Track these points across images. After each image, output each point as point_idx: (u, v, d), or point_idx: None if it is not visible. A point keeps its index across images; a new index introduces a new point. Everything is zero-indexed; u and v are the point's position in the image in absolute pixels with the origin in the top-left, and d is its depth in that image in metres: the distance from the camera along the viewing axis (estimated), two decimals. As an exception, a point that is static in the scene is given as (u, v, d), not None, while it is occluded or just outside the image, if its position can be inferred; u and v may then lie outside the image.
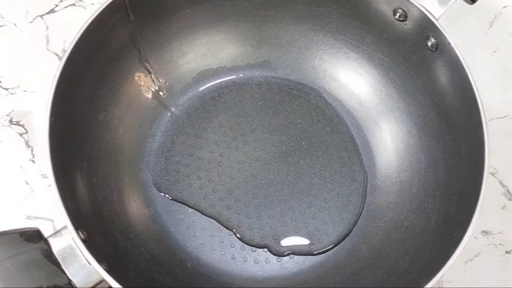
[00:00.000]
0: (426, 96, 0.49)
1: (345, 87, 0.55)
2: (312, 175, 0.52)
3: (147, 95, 0.53)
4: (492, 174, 0.56)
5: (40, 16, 0.61)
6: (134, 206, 0.49)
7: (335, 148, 0.53)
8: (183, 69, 0.55)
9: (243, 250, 0.49)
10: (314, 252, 0.49)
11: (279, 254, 0.49)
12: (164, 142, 0.53)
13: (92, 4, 0.61)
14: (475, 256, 0.53)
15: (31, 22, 0.60)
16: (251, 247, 0.49)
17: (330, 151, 0.53)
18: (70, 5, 0.61)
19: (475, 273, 0.53)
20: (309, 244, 0.49)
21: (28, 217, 0.52)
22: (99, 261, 0.36)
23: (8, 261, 0.35)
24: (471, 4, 0.47)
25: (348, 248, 0.49)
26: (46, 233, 0.38)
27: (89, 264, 0.36)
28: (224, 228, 0.49)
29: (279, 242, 0.49)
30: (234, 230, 0.49)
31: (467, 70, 0.43)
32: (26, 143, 0.55)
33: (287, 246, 0.49)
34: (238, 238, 0.49)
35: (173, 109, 0.54)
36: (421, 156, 0.50)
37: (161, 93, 0.54)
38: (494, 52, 0.62)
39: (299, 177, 0.52)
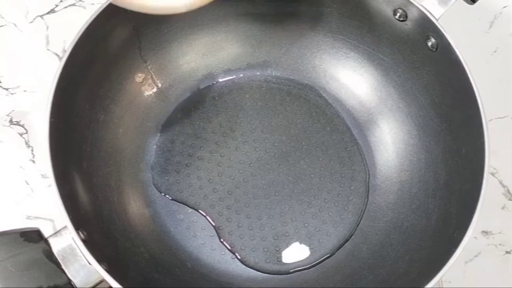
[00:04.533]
0: (426, 96, 0.49)
1: (345, 87, 0.55)
2: (312, 175, 0.52)
3: (147, 95, 0.53)
4: (492, 174, 0.56)
5: (40, 16, 0.61)
6: (134, 206, 0.49)
7: (335, 148, 0.53)
8: (183, 69, 0.55)
9: (243, 250, 0.49)
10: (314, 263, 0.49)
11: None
12: (164, 142, 0.53)
13: (92, 4, 0.61)
14: (475, 256, 0.53)
15: (31, 22, 0.60)
16: (251, 247, 0.49)
17: (330, 151, 0.53)
18: (70, 5, 0.61)
19: (475, 273, 0.53)
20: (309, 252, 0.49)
21: (28, 217, 0.52)
22: (99, 261, 0.36)
23: (8, 261, 0.35)
24: (471, 4, 0.47)
25: (348, 248, 0.49)
26: (46, 233, 0.38)
27: (89, 264, 0.36)
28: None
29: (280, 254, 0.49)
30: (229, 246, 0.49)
31: (467, 70, 0.43)
32: (26, 143, 0.55)
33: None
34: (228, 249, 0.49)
35: (173, 109, 0.54)
36: (421, 156, 0.50)
37: (161, 93, 0.54)
38: (494, 52, 0.62)
39: (299, 177, 0.52)
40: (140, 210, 0.49)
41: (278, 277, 0.48)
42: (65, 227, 0.37)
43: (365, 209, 0.51)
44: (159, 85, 0.54)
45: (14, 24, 0.60)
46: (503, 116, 0.59)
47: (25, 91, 0.57)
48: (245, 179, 0.52)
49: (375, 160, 0.53)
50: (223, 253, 0.49)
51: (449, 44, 0.44)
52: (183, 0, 0.39)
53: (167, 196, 0.51)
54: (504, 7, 0.63)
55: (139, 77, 0.52)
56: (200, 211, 0.50)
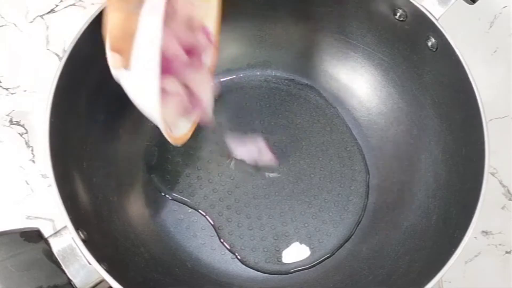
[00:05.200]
0: (426, 96, 0.49)
1: (345, 87, 0.55)
2: (312, 175, 0.52)
3: (147, 95, 0.53)
4: (492, 174, 0.56)
5: (40, 16, 0.61)
6: (134, 206, 0.49)
7: (335, 148, 0.53)
8: (183, 69, 0.55)
9: (243, 250, 0.49)
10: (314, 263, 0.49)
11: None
12: (164, 142, 0.53)
13: (92, 4, 0.61)
14: (475, 256, 0.53)
15: (31, 22, 0.60)
16: (251, 247, 0.49)
17: (330, 151, 0.53)
18: (70, 5, 0.61)
19: (475, 273, 0.53)
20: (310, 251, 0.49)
21: (28, 217, 0.52)
22: (99, 261, 0.36)
23: (8, 261, 0.35)
24: (471, 4, 0.47)
25: (348, 248, 0.49)
26: (46, 233, 0.38)
27: (89, 264, 0.36)
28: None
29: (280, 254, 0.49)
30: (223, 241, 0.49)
31: (467, 70, 0.43)
32: (26, 143, 0.55)
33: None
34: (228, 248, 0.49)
35: (173, 109, 0.54)
36: (421, 156, 0.50)
37: (161, 93, 0.54)
38: (494, 52, 0.62)
39: (299, 177, 0.52)
40: (140, 210, 0.49)
41: (278, 277, 0.48)
42: (65, 227, 0.37)
43: (365, 209, 0.51)
44: (159, 85, 0.53)
45: (14, 24, 0.60)
46: (503, 116, 0.59)
47: (25, 91, 0.57)
48: (245, 179, 0.52)
49: (375, 160, 0.53)
50: (223, 253, 0.49)
51: (449, 44, 0.44)
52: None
53: (167, 196, 0.51)
54: (504, 7, 0.64)
55: (139, 77, 0.52)
56: (200, 211, 0.50)
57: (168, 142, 0.52)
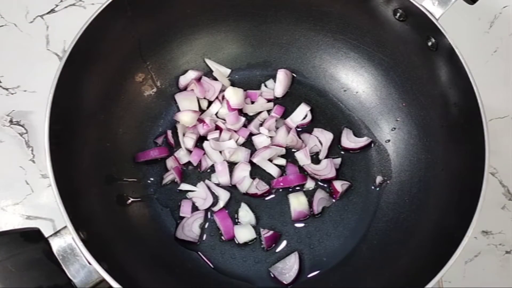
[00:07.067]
0: (426, 96, 0.49)
1: (345, 87, 0.55)
2: (312, 175, 0.52)
3: (147, 95, 0.53)
4: (492, 174, 0.56)
5: (40, 16, 0.61)
6: (134, 206, 0.49)
7: (335, 148, 0.53)
8: (183, 69, 0.55)
9: (243, 250, 0.49)
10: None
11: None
12: (165, 142, 0.53)
13: (92, 4, 0.61)
14: (475, 256, 0.54)
15: (31, 22, 0.60)
16: (251, 247, 0.49)
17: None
18: (70, 5, 0.62)
19: (475, 273, 0.53)
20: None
21: (28, 217, 0.52)
22: (99, 261, 0.36)
23: (8, 261, 0.35)
24: (471, 4, 0.47)
25: (348, 248, 0.49)
26: (46, 233, 0.38)
27: (89, 264, 0.36)
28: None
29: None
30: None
31: (467, 70, 0.43)
32: (26, 143, 0.55)
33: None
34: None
35: (173, 109, 0.54)
36: (421, 156, 0.50)
37: (161, 92, 0.54)
38: (494, 52, 0.62)
39: (299, 177, 0.52)
40: (140, 210, 0.49)
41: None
42: (65, 227, 0.37)
43: (365, 209, 0.51)
44: (159, 85, 0.54)
45: (14, 24, 0.60)
46: (503, 116, 0.59)
47: (25, 91, 0.57)
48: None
49: (375, 160, 0.53)
50: (223, 253, 0.49)
51: (449, 44, 0.44)
52: None
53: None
54: (504, 7, 0.64)
55: (139, 77, 0.52)
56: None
57: (168, 141, 0.53)
